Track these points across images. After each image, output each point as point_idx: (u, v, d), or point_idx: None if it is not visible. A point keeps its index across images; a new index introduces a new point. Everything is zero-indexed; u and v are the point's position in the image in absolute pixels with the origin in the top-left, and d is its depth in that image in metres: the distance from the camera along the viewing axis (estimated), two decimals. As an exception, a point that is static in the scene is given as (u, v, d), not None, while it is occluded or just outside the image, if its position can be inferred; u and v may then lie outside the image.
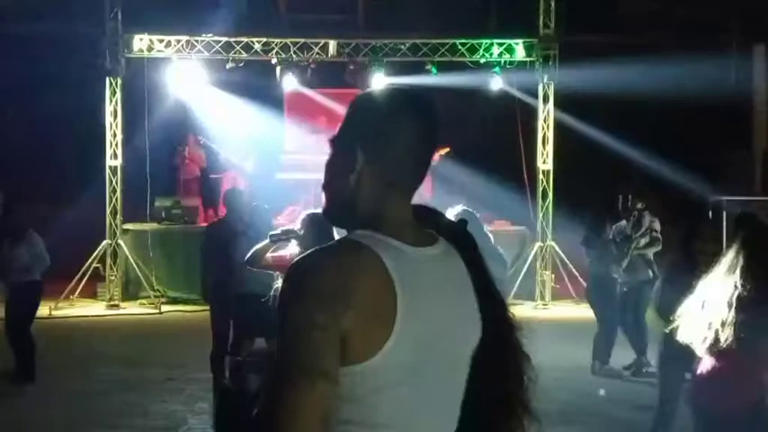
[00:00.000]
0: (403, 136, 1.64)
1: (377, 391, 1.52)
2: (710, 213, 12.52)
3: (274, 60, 12.91)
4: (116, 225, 12.52)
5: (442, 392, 1.63)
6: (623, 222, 8.44)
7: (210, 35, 12.83)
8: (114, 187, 12.64)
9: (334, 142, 1.70)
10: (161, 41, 12.81)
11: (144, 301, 12.25)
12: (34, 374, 7.71)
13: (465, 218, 1.90)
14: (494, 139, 14.00)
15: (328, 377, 1.47)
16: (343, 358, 1.49)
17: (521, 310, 11.90)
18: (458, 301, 1.68)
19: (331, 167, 1.70)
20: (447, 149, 13.68)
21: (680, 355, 4.89)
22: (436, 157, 13.84)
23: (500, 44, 12.91)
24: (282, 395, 1.46)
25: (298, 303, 1.49)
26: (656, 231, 8.38)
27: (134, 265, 12.25)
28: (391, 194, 1.65)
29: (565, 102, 12.92)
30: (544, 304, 12.41)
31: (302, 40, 12.94)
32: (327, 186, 1.70)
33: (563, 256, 12.19)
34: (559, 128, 12.84)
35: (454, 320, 1.65)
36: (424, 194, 13.40)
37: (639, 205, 8.39)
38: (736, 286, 3.84)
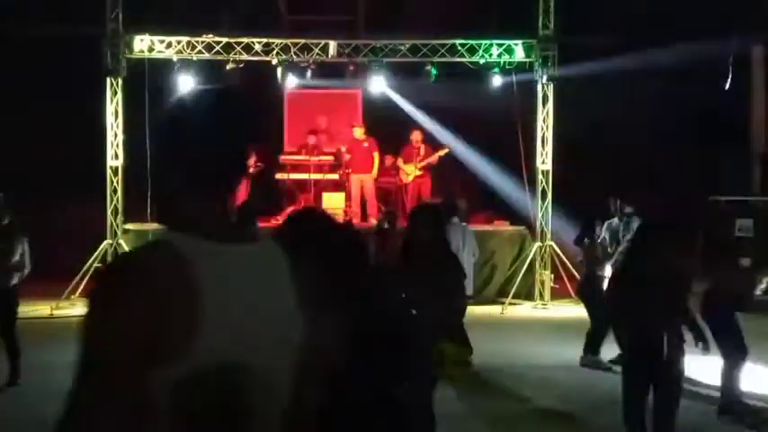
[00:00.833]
0: (203, 134, 1.63)
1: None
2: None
3: (275, 61, 12.94)
4: (117, 225, 12.56)
5: (260, 393, 1.59)
6: (615, 220, 8.75)
7: (211, 36, 12.87)
8: (115, 187, 12.69)
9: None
10: (162, 42, 12.85)
11: (144, 300, 12.26)
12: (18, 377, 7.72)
13: None
14: (493, 140, 14.02)
15: (128, 375, 1.45)
16: (152, 360, 1.45)
17: (520, 310, 12.06)
18: (272, 300, 1.64)
19: (160, 168, 1.70)
20: (446, 150, 13.73)
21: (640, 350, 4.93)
22: (435, 157, 13.92)
23: (499, 45, 12.95)
24: (80, 392, 1.46)
25: (96, 303, 1.49)
26: None
27: (135, 264, 12.27)
28: (195, 192, 1.64)
29: (564, 101, 12.96)
30: (543, 304, 12.45)
31: (302, 41, 12.97)
32: (157, 189, 1.72)
33: (562, 255, 12.23)
34: (559, 128, 12.87)
35: (268, 320, 1.61)
36: (424, 195, 13.46)
37: (628, 209, 8.62)
38: None
